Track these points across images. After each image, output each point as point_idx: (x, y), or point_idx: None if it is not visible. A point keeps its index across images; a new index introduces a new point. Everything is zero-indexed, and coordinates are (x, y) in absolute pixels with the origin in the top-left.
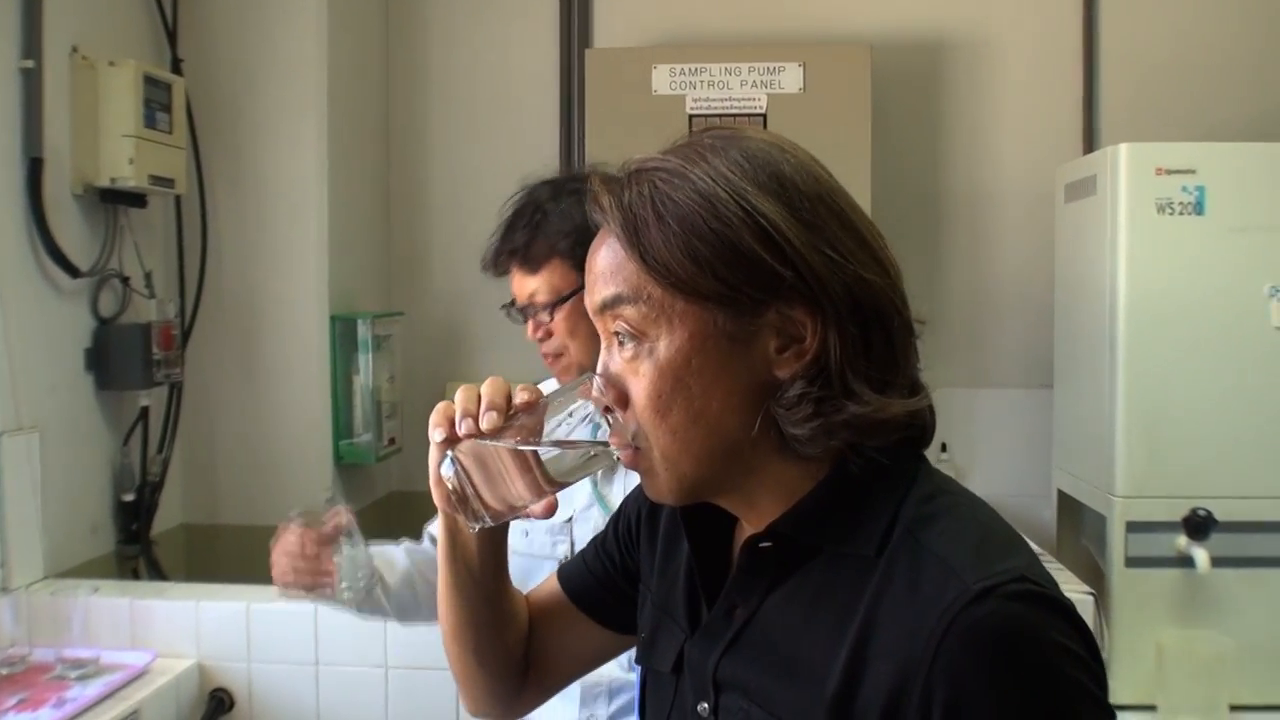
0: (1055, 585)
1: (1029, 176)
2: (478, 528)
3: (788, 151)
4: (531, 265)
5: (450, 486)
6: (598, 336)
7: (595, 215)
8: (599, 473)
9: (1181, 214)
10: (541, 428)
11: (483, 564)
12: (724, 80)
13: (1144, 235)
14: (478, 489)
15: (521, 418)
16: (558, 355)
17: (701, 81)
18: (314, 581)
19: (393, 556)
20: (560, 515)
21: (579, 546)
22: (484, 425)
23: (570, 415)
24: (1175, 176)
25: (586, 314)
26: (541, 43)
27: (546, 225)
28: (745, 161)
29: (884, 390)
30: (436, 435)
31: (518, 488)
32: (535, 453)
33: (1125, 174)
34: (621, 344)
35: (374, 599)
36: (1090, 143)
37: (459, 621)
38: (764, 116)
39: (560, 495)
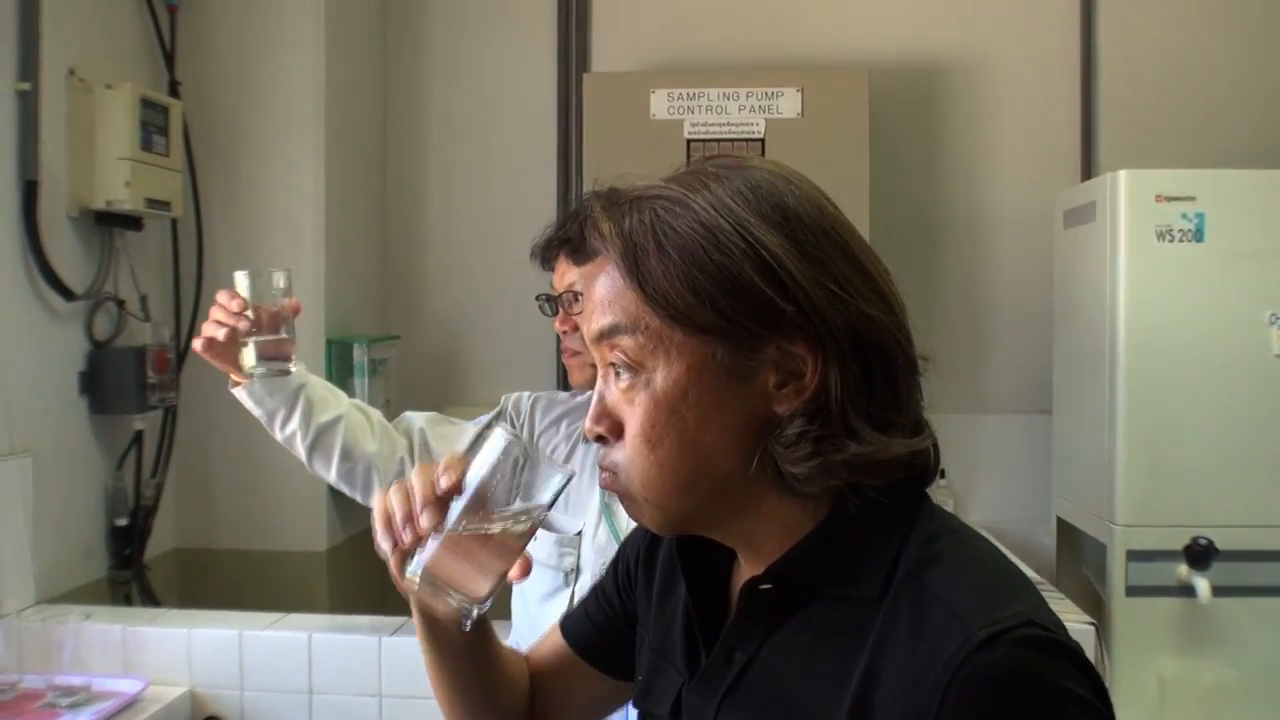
0: (1063, 628)
1: (1028, 201)
2: (470, 623)
3: (793, 182)
4: (579, 257)
5: (429, 596)
6: None
7: (594, 242)
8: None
9: (1181, 241)
10: (486, 493)
11: (468, 642)
12: (722, 105)
13: (1144, 262)
14: (456, 586)
15: (459, 499)
16: (576, 353)
17: (700, 106)
18: (229, 338)
19: (340, 398)
20: (570, 528)
21: (585, 559)
22: (424, 524)
23: (514, 466)
24: (1175, 204)
25: None
26: (539, 67)
27: None
28: (749, 192)
29: (886, 429)
30: (386, 546)
31: (490, 561)
32: (485, 528)
33: (1125, 201)
34: (618, 374)
35: (290, 395)
36: (1089, 168)
37: (451, 693)
38: (762, 141)
39: (571, 509)
